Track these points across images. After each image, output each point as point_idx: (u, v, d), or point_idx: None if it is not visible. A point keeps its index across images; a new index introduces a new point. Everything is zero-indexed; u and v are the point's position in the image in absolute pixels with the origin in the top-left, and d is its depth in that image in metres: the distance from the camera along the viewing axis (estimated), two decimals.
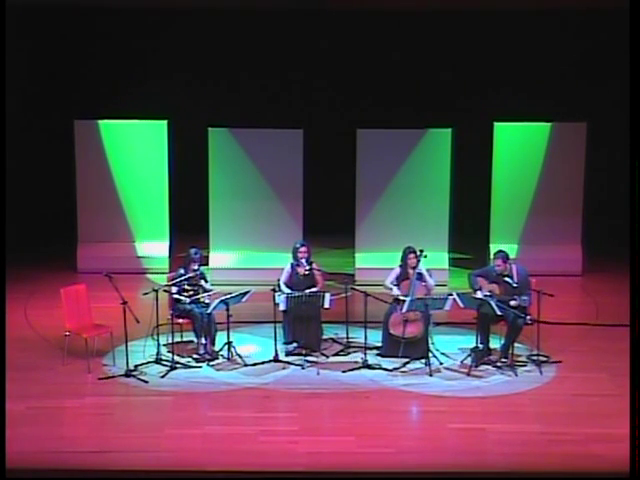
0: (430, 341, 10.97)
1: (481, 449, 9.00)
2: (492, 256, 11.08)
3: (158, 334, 11.05)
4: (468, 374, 10.59)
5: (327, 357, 11.09)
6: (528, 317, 10.68)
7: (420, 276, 11.15)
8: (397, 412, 9.81)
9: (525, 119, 14.48)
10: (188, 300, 11.04)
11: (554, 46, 15.88)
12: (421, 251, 11.19)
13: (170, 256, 14.59)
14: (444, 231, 14.19)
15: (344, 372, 10.67)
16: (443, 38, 15.98)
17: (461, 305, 10.78)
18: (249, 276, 13.42)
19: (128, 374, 10.46)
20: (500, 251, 10.99)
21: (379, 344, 11.18)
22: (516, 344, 10.79)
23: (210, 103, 15.98)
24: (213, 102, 16.01)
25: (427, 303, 10.79)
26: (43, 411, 9.63)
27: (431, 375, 10.55)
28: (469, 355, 10.84)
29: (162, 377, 10.48)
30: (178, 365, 10.71)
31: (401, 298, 11.00)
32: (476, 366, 10.70)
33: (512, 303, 10.61)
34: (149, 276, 14.33)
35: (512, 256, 13.64)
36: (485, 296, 10.70)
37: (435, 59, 16.12)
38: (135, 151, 14.55)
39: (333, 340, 11.54)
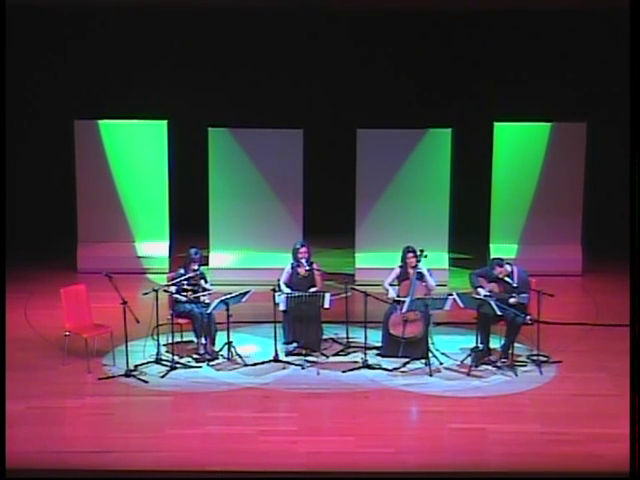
0: (430, 341, 10.97)
1: (481, 449, 9.00)
2: (489, 266, 11.03)
3: (158, 334, 11.05)
4: (468, 374, 10.59)
5: (327, 357, 11.09)
6: (528, 317, 10.68)
7: (420, 276, 11.15)
8: (397, 412, 9.80)
9: (525, 119, 14.48)
10: (188, 300, 11.05)
11: (554, 46, 15.88)
12: (421, 251, 11.19)
13: (170, 256, 14.60)
14: (444, 231, 14.19)
15: (344, 372, 10.66)
16: (443, 38, 15.99)
17: (461, 305, 10.78)
18: (249, 276, 13.43)
19: (128, 374, 10.45)
20: (494, 259, 11.03)
21: (379, 344, 11.18)
22: (516, 344, 10.79)
23: (210, 103, 15.99)
24: (213, 102, 16.02)
25: (427, 303, 10.79)
26: (43, 411, 9.63)
27: (431, 375, 10.55)
28: (469, 355, 10.84)
29: (162, 377, 10.48)
30: (178, 365, 10.71)
31: (400, 298, 11.00)
32: (476, 366, 10.70)
33: (511, 301, 10.60)
34: (149, 276, 14.34)
35: (512, 256, 13.76)
36: (485, 296, 10.70)
37: (435, 59, 16.12)
38: (135, 151, 14.55)
39: (333, 340, 11.54)
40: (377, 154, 14.12)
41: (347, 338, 11.38)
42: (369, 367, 10.74)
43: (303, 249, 11.39)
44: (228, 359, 10.96)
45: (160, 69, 16.09)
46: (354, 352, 11.16)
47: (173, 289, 11.09)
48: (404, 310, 10.84)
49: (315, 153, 15.27)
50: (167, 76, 16.10)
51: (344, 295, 11.27)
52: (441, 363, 10.89)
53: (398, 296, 11.10)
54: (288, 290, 11.15)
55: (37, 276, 14.17)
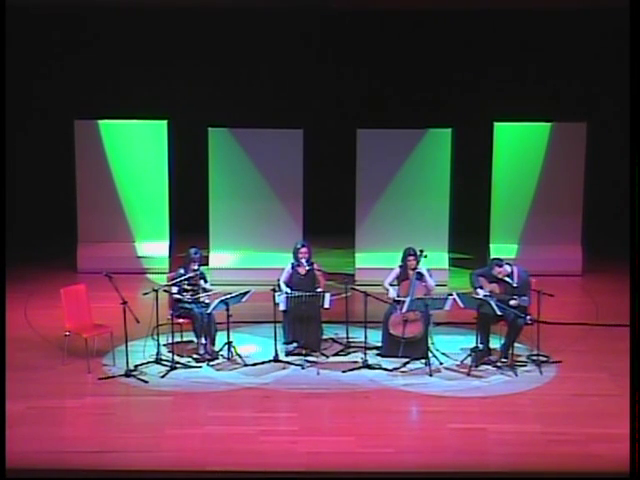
0: (430, 341, 10.96)
1: (481, 449, 9.00)
2: (489, 266, 11.02)
3: (158, 334, 11.05)
4: (468, 374, 10.59)
5: (327, 357, 11.09)
6: (528, 317, 10.67)
7: (420, 276, 11.15)
8: (397, 412, 9.80)
9: (525, 119, 14.48)
10: (188, 300, 11.05)
11: (554, 46, 15.89)
12: (421, 251, 11.18)
13: (170, 256, 14.60)
14: (444, 231, 14.19)
15: (344, 372, 10.66)
16: (443, 38, 15.99)
17: (461, 305, 10.78)
18: (249, 276, 13.43)
19: (128, 374, 10.45)
20: (493, 259, 11.05)
21: (379, 344, 11.18)
22: (516, 344, 10.79)
23: (210, 103, 15.99)
24: (213, 102, 16.02)
25: (427, 303, 10.79)
26: (43, 411, 9.63)
27: (431, 375, 10.55)
28: (469, 355, 10.83)
29: (162, 377, 10.48)
30: (178, 365, 10.71)
31: (400, 298, 10.99)
32: (476, 366, 10.70)
33: (512, 303, 10.61)
34: (149, 276, 14.34)
35: (512, 256, 13.76)
36: (485, 296, 10.69)
37: (435, 59, 16.12)
38: (135, 151, 14.56)
39: (333, 340, 11.54)
40: (377, 154, 14.11)
41: (347, 338, 11.38)
42: (369, 367, 10.74)
43: (304, 249, 11.38)
44: (228, 359, 10.96)
45: (160, 69, 16.10)
46: (354, 352, 11.16)
47: (173, 289, 11.09)
48: (404, 310, 10.83)
49: (315, 153, 15.27)
50: (167, 76, 16.11)
51: (344, 295, 11.27)
52: (441, 363, 10.88)
53: (398, 296, 11.09)
54: (288, 290, 11.15)
55: (37, 276, 14.17)
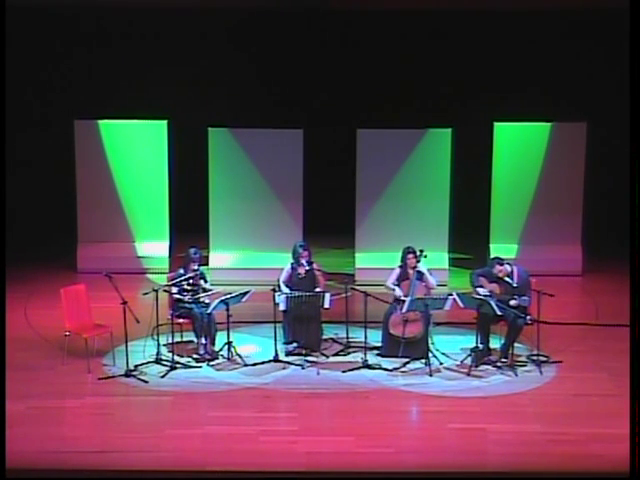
0: (430, 341, 10.96)
1: (481, 449, 9.00)
2: (489, 265, 11.01)
3: (158, 334, 11.05)
4: (468, 374, 10.59)
5: (327, 357, 11.09)
6: (528, 317, 10.68)
7: (420, 276, 11.15)
8: (397, 412, 9.80)
9: (525, 119, 14.49)
10: (188, 300, 11.04)
11: (554, 46, 15.90)
12: (421, 251, 11.18)
13: (170, 256, 14.60)
14: (444, 231, 14.19)
15: (344, 372, 10.66)
16: (443, 38, 16.00)
17: (461, 305, 10.78)
18: (249, 276, 13.43)
19: (128, 374, 10.45)
20: (494, 258, 11.05)
21: (379, 344, 11.18)
22: (516, 344, 10.79)
23: (210, 103, 15.99)
24: (213, 102, 16.02)
25: (427, 303, 10.78)
26: (43, 411, 9.62)
27: (431, 375, 10.55)
28: (469, 355, 10.83)
29: (162, 377, 10.47)
30: (178, 365, 10.71)
31: (402, 298, 10.99)
32: (476, 366, 10.70)
33: (512, 303, 10.61)
34: (149, 276, 14.34)
35: (512, 256, 13.76)
36: (485, 296, 10.69)
37: (435, 59, 16.13)
38: (135, 151, 14.56)
39: (333, 340, 11.54)
40: (377, 154, 14.12)
41: (347, 338, 11.38)
42: (369, 367, 10.74)
43: (305, 252, 11.35)
44: (228, 359, 10.96)
45: (160, 69, 16.10)
46: (354, 352, 11.16)
47: (173, 289, 11.09)
48: (404, 310, 10.83)
49: (315, 153, 15.27)
50: (167, 76, 16.11)
51: (344, 295, 11.27)
52: (441, 363, 10.88)
53: (405, 295, 11.06)
54: (288, 290, 11.14)
55: (37, 276, 14.17)
